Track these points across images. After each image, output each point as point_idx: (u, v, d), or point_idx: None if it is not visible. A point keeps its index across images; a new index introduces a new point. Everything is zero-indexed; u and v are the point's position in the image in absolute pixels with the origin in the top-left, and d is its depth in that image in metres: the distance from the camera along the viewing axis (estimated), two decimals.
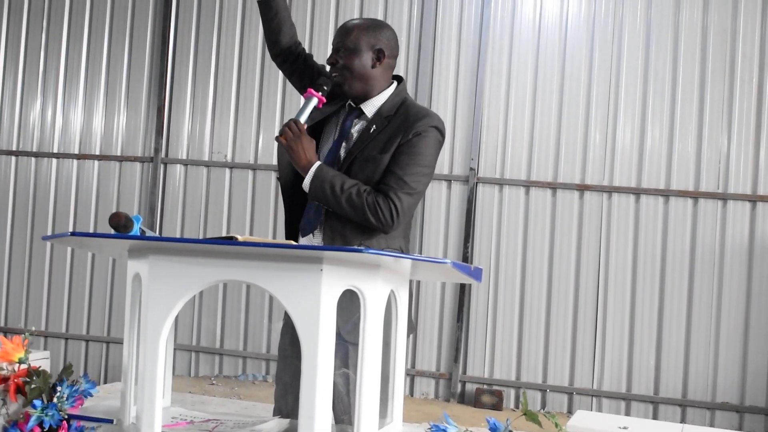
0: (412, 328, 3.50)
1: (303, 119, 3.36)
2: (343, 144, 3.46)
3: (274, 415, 3.32)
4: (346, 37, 3.49)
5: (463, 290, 6.73)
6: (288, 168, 3.49)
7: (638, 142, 6.58)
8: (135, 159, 7.34)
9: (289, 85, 7.06)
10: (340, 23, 7.01)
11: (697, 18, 6.55)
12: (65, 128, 7.51)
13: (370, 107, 3.50)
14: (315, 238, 3.40)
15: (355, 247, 3.25)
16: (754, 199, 6.39)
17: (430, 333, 6.78)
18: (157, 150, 7.27)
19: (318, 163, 3.35)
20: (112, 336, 7.31)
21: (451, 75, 6.86)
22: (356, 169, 3.39)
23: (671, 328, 6.47)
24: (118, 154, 7.40)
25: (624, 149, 6.60)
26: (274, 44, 3.61)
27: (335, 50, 3.50)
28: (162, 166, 7.28)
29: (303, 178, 3.41)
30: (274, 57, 3.68)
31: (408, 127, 3.40)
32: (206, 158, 7.24)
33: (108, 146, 7.43)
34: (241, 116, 7.19)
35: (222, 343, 7.12)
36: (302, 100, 3.42)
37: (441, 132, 3.49)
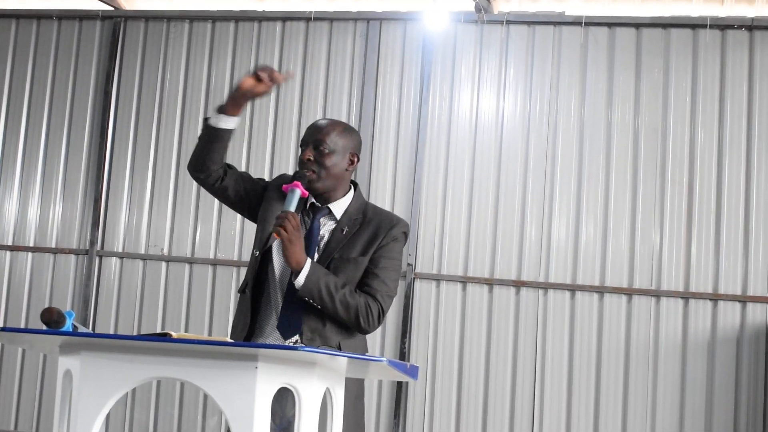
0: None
1: (293, 211, 3.35)
2: (315, 244, 3.47)
3: None
4: (326, 135, 3.50)
5: (399, 387, 6.70)
6: (262, 265, 3.46)
7: (573, 239, 6.67)
8: (70, 251, 7.26)
9: None
10: (278, 118, 7.10)
11: (628, 118, 6.72)
12: None
13: (338, 208, 3.52)
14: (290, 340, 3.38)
15: (289, 345, 3.24)
16: (686, 296, 6.48)
17: (366, 430, 6.71)
18: (92, 242, 7.20)
19: (310, 260, 3.35)
20: (40, 431, 7.15)
21: (389, 170, 6.92)
22: (335, 270, 3.41)
23: (608, 423, 6.48)
24: (53, 245, 7.31)
25: (559, 246, 6.68)
26: (202, 168, 3.52)
27: (313, 147, 3.49)
28: (97, 258, 7.21)
29: (267, 265, 3.39)
30: (199, 180, 3.57)
31: (386, 232, 3.47)
32: (142, 251, 7.18)
33: (42, 237, 7.34)
34: (178, 209, 7.16)
35: None
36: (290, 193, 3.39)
37: (407, 237, 3.59)
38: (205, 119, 3.46)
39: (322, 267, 3.36)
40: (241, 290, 3.53)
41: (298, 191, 3.36)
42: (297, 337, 3.35)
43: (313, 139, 3.49)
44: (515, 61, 6.89)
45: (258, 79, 3.35)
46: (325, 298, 3.31)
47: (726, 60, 6.68)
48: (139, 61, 7.37)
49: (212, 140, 3.44)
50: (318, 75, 7.11)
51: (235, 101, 3.40)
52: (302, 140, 3.55)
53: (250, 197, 3.60)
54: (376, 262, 3.47)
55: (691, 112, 6.66)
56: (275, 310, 3.41)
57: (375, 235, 3.49)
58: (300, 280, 3.29)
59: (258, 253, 3.46)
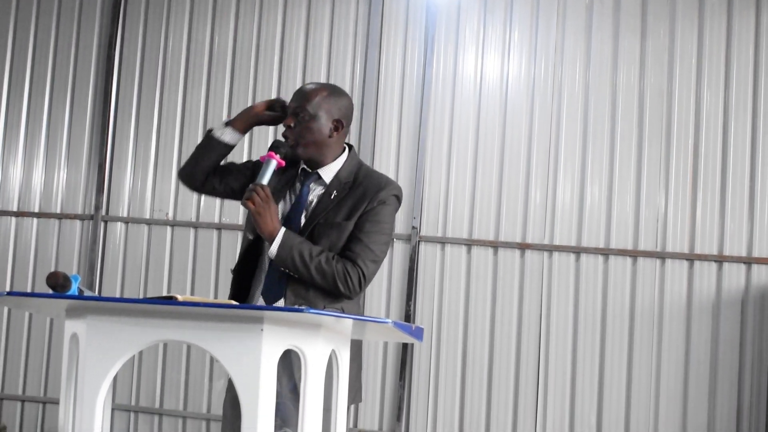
0: (359, 396, 3.48)
1: (265, 183, 3.35)
2: (303, 209, 3.47)
3: None
4: (307, 102, 3.49)
5: (405, 349, 6.72)
6: (251, 232, 3.48)
7: (578, 202, 6.66)
8: (75, 216, 7.27)
9: None
10: (282, 82, 7.08)
11: (634, 80, 6.69)
12: (3, 184, 7.42)
13: (327, 173, 3.52)
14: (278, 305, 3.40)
15: (295, 306, 3.24)
16: (691, 258, 6.49)
17: (372, 392, 6.74)
18: (97, 207, 7.20)
19: (283, 229, 3.35)
20: (48, 396, 7.18)
21: (394, 133, 6.91)
22: (318, 235, 3.41)
23: (612, 385, 6.51)
24: (58, 211, 7.32)
25: (564, 208, 6.68)
26: (195, 175, 3.58)
27: (293, 113, 3.49)
28: (102, 223, 7.21)
29: (262, 243, 3.40)
30: (191, 186, 3.62)
31: (373, 195, 3.45)
32: (147, 216, 7.18)
33: (47, 203, 7.35)
34: None
35: (162, 402, 7.02)
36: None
37: (400, 200, 3.57)
38: (209, 130, 3.49)
39: (297, 235, 3.37)
40: (235, 270, 3.55)
41: (274, 161, 3.37)
42: (282, 301, 3.37)
43: (295, 104, 3.50)
44: (520, 23, 6.86)
45: (273, 107, 3.48)
46: (299, 266, 3.32)
47: (732, 22, 6.64)
48: (142, 25, 7.34)
49: (211, 151, 3.46)
50: (321, 38, 7.07)
51: (245, 120, 3.45)
52: (290, 105, 3.56)
53: (237, 189, 3.62)
54: (360, 227, 3.45)
55: (696, 74, 6.64)
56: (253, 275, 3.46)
57: (361, 199, 3.47)
58: (273, 250, 3.31)
59: (251, 236, 3.47)
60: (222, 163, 3.67)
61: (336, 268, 3.34)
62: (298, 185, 3.52)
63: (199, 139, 7.04)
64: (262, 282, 3.43)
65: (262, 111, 3.48)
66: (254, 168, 3.63)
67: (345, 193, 3.48)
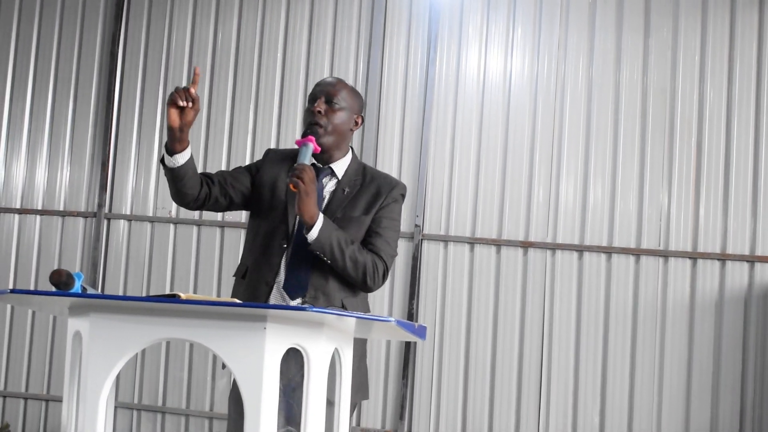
0: (365, 394, 3.48)
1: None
2: (320, 204, 3.47)
3: None
4: (337, 91, 3.50)
5: (408, 347, 6.72)
6: (279, 217, 3.45)
7: (581, 200, 6.66)
8: (78, 214, 7.27)
9: (234, 140, 7.08)
10: (285, 81, 7.07)
11: (637, 78, 6.68)
12: (7, 182, 7.42)
13: (339, 168, 3.54)
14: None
15: (298, 305, 3.24)
16: (694, 257, 6.48)
17: (375, 390, 6.74)
18: (100, 205, 7.21)
19: (322, 214, 3.35)
20: (51, 394, 7.18)
21: (397, 131, 6.91)
22: (348, 229, 3.43)
23: (615, 383, 6.50)
24: (61, 208, 7.32)
25: (567, 207, 6.67)
26: (183, 199, 3.45)
27: (326, 100, 3.47)
28: (105, 221, 7.22)
29: (282, 233, 3.38)
30: (189, 208, 3.53)
31: (387, 192, 3.50)
32: (150, 214, 7.19)
33: (50, 200, 7.35)
34: None
35: (164, 401, 7.02)
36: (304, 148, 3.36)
37: (404, 198, 3.62)
38: (161, 161, 3.34)
39: (332, 222, 3.37)
40: (242, 275, 3.50)
41: (311, 145, 3.34)
42: (304, 294, 3.36)
43: (325, 92, 3.48)
44: (523, 20, 6.85)
45: (179, 107, 3.17)
46: (336, 253, 3.32)
47: (735, 19, 6.63)
48: (145, 24, 7.34)
49: (178, 179, 3.33)
50: (324, 36, 7.07)
51: (175, 137, 3.23)
52: (312, 94, 3.52)
53: (247, 191, 3.57)
54: (378, 222, 3.49)
55: (699, 71, 6.63)
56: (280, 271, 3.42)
57: (377, 195, 3.51)
58: (313, 234, 3.29)
59: (267, 224, 3.43)
60: (214, 172, 3.64)
61: (366, 259, 3.37)
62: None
63: (200, 136, 7.07)
64: (281, 275, 3.41)
65: (177, 120, 3.18)
66: (260, 166, 3.61)
67: (357, 189, 3.51)
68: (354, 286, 3.44)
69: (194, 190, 3.43)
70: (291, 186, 3.24)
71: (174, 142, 3.24)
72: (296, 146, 3.39)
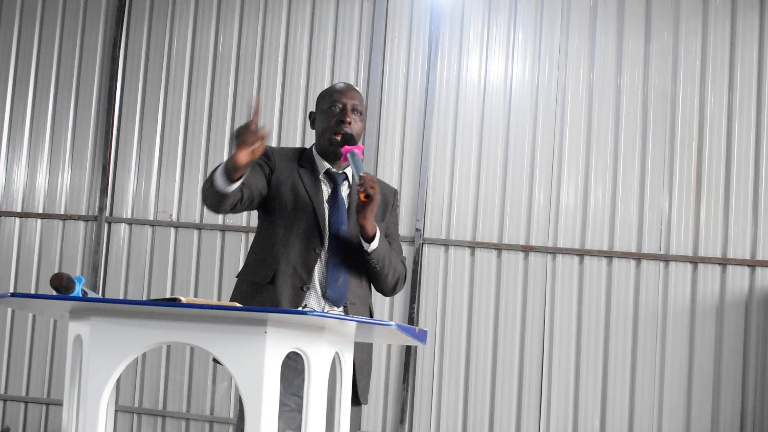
0: (364, 399, 3.48)
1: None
2: (345, 211, 3.48)
3: None
4: (361, 101, 3.52)
5: (408, 351, 6.72)
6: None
7: (581, 204, 6.66)
8: (79, 218, 7.27)
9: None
10: (286, 85, 7.08)
11: (638, 82, 6.69)
12: (8, 186, 7.42)
13: (350, 174, 3.55)
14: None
15: (299, 309, 3.24)
16: (695, 261, 6.48)
17: (375, 395, 6.74)
18: (101, 209, 7.21)
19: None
20: (52, 397, 7.18)
21: (398, 136, 6.91)
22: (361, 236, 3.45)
23: (615, 388, 6.50)
24: (62, 212, 7.32)
25: (567, 211, 6.67)
26: (217, 211, 3.38)
27: (352, 109, 3.46)
28: (106, 225, 7.22)
29: (319, 240, 3.36)
30: (218, 214, 3.45)
31: (392, 199, 3.55)
32: (151, 217, 7.19)
33: (51, 204, 7.35)
34: (186, 175, 7.16)
35: (165, 404, 7.02)
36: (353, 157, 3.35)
37: None
38: (212, 178, 3.24)
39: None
40: (269, 281, 3.38)
41: (357, 151, 3.35)
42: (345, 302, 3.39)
43: (353, 102, 3.46)
44: (524, 25, 6.86)
45: (249, 143, 3.08)
46: (386, 262, 3.37)
47: (736, 24, 6.63)
48: (146, 27, 7.35)
49: (224, 198, 3.25)
50: (325, 40, 7.08)
51: (238, 170, 3.14)
52: (336, 100, 3.47)
53: (264, 191, 3.49)
54: (389, 230, 3.54)
55: (700, 76, 6.63)
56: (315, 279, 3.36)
57: (386, 203, 3.53)
58: (374, 245, 3.32)
59: (298, 234, 3.39)
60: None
61: (399, 266, 3.45)
62: (324, 187, 3.50)
63: (202, 140, 7.07)
64: (315, 280, 3.40)
65: (246, 159, 3.09)
66: (272, 158, 3.52)
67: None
68: (370, 291, 3.49)
69: (231, 204, 3.36)
70: (362, 196, 3.21)
71: (236, 173, 3.15)
72: (298, 148, 3.42)
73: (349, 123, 3.41)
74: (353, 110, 3.44)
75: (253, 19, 7.19)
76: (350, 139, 3.35)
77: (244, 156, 3.08)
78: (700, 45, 6.65)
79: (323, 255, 3.37)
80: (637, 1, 6.73)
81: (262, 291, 3.39)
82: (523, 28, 6.86)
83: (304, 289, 3.34)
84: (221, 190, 3.19)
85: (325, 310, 3.32)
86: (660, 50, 6.68)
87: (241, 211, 3.48)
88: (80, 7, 7.45)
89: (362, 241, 3.31)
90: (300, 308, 3.30)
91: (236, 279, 3.57)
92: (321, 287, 3.35)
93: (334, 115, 3.44)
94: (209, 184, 3.24)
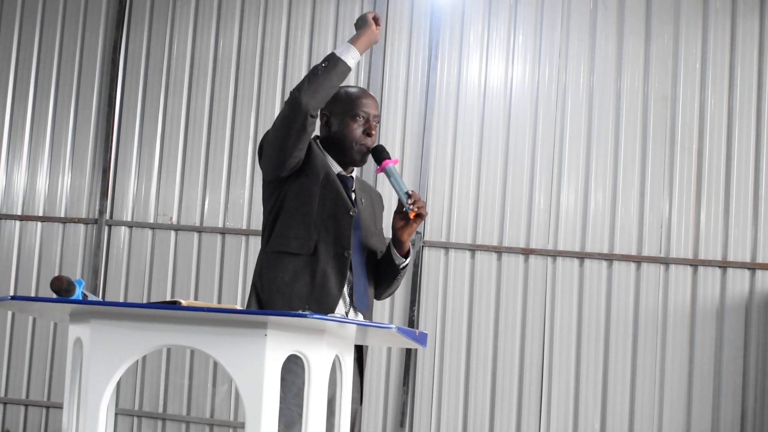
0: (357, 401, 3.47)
1: None
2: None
3: None
4: (378, 112, 3.54)
5: (408, 354, 6.72)
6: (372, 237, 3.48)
7: (582, 207, 6.66)
8: (79, 221, 7.27)
9: (236, 147, 7.08)
10: (287, 87, 7.07)
11: (638, 85, 6.69)
12: (8, 189, 7.42)
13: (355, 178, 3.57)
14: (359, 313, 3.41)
15: (299, 312, 3.25)
16: (695, 264, 6.48)
17: (375, 397, 6.74)
18: (101, 211, 7.21)
19: None
20: (52, 400, 7.18)
21: (398, 138, 6.91)
22: (373, 240, 3.49)
23: (616, 390, 6.50)
24: (62, 215, 7.32)
25: (568, 214, 6.67)
26: (297, 145, 3.32)
27: (375, 120, 3.47)
28: (106, 228, 7.22)
29: (346, 251, 3.35)
30: (288, 159, 3.34)
31: (380, 203, 3.59)
32: (151, 220, 7.18)
33: (52, 207, 7.35)
34: (187, 178, 7.16)
35: (165, 407, 7.01)
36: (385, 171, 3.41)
37: None
38: (334, 57, 3.33)
39: None
40: (311, 251, 3.32)
41: (392, 164, 3.38)
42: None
43: (375, 113, 3.46)
44: (524, 27, 6.86)
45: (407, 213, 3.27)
46: (406, 271, 3.50)
47: (736, 26, 6.64)
48: (147, 30, 7.35)
49: (339, 79, 3.31)
50: (326, 43, 7.08)
51: (370, 45, 3.42)
52: (361, 107, 3.44)
53: (301, 163, 3.41)
54: (382, 233, 3.59)
55: (701, 79, 6.64)
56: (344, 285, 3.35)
57: (378, 207, 3.57)
58: (409, 260, 3.41)
59: (352, 212, 3.38)
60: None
61: None
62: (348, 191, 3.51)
63: (202, 143, 7.07)
64: (342, 290, 3.34)
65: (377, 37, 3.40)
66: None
67: (365, 198, 3.54)
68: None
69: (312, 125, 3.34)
70: (412, 215, 3.22)
71: (364, 45, 3.36)
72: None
73: (373, 135, 3.42)
74: (375, 120, 3.44)
75: (254, 21, 7.19)
76: (384, 153, 3.35)
77: (378, 33, 3.36)
78: (700, 48, 6.65)
79: (350, 261, 3.36)
80: (637, 4, 6.73)
81: (306, 264, 3.32)
82: (523, 31, 6.86)
83: (346, 255, 3.32)
84: (349, 68, 3.31)
85: (349, 316, 3.32)
86: (660, 53, 6.68)
87: (303, 148, 3.34)
88: (80, 10, 7.45)
89: (394, 255, 3.35)
90: (317, 301, 3.27)
91: (263, 252, 3.42)
92: (349, 296, 3.36)
93: (360, 125, 3.41)
94: (325, 69, 3.29)
